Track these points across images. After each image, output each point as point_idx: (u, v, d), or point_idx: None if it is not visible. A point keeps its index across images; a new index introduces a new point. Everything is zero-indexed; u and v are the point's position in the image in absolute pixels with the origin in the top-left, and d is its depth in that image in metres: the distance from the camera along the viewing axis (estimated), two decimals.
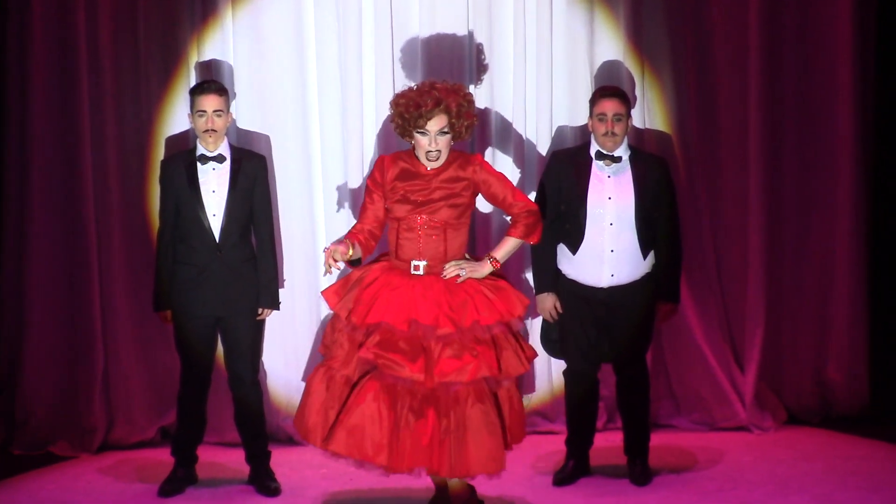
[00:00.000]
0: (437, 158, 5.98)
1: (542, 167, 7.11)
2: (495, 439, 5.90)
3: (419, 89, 5.99)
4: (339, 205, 7.62)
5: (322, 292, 6.10)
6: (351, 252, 5.94)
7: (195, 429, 6.79)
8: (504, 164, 7.59)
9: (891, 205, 8.37)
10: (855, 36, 7.73)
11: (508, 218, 6.34)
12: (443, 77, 7.08)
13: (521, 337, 6.08)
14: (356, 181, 7.47)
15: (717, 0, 7.67)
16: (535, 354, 6.17)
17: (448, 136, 5.95)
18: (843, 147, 7.80)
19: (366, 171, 7.44)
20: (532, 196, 7.26)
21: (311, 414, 5.97)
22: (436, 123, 5.90)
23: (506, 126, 7.59)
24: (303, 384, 7.16)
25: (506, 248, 6.08)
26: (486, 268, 5.98)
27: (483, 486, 6.10)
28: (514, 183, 7.36)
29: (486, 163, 6.16)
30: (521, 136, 7.58)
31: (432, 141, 5.92)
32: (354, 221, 6.42)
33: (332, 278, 7.24)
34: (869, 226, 7.94)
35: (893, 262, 8.46)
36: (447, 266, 5.93)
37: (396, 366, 5.81)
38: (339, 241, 5.95)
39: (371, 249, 6.08)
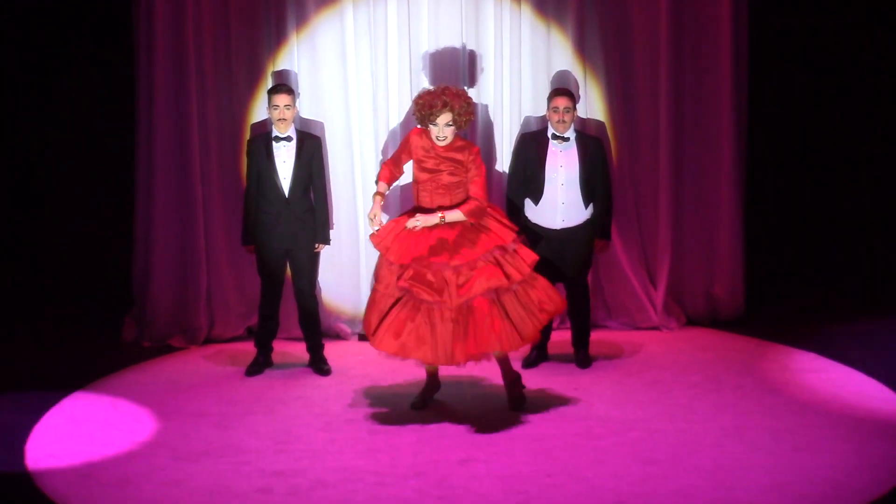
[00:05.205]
0: (444, 141, 6.50)
1: (514, 144, 7.80)
2: (505, 325, 6.29)
3: (433, 93, 6.51)
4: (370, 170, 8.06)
5: (370, 237, 6.58)
6: (381, 200, 6.45)
7: (271, 328, 7.50)
8: (488, 141, 8.20)
9: (759, 178, 9.17)
10: (732, 58, 8.34)
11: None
12: (444, 79, 7.88)
13: (519, 251, 6.45)
14: (382, 155, 8.06)
15: (637, 26, 8.28)
16: (536, 258, 6.49)
17: (452, 127, 6.48)
18: (725, 131, 8.42)
19: (390, 148, 8.04)
20: (502, 170, 8.01)
21: (366, 318, 6.60)
22: (443, 119, 6.47)
23: (488, 114, 8.17)
24: (346, 296, 8.29)
25: (453, 214, 6.50)
26: (434, 219, 6.45)
27: (471, 367, 6.51)
28: (492, 152, 8.15)
29: (479, 157, 6.61)
30: (500, 121, 8.21)
31: (440, 130, 6.48)
32: (380, 182, 6.77)
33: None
34: (744, 188, 8.57)
35: (761, 216, 9.25)
36: (409, 222, 6.42)
37: (426, 293, 6.31)
38: (374, 205, 6.46)
39: (397, 177, 6.67)
